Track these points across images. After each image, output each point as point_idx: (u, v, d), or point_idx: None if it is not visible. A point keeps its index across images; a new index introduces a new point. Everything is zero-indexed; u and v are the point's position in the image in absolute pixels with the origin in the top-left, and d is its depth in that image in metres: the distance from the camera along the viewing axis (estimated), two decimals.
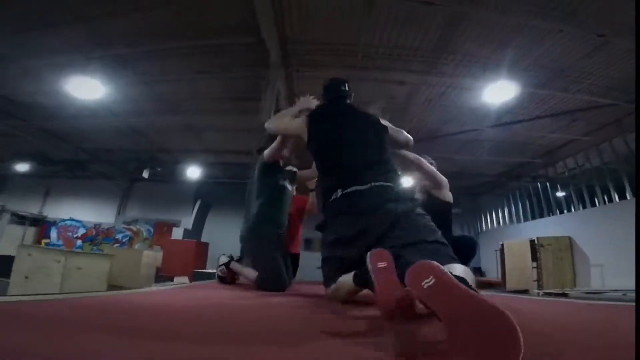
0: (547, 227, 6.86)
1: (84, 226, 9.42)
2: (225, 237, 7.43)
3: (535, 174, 7.86)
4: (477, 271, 8.15)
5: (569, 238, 6.22)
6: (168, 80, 4.96)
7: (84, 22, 3.89)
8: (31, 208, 9.26)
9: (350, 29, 3.90)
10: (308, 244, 7.55)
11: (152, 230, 9.38)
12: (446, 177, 2.16)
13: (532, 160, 7.28)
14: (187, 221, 7.74)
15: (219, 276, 2.22)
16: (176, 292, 1.67)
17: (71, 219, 9.41)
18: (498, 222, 9.38)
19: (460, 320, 0.56)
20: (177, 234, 7.33)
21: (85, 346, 0.57)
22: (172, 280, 5.34)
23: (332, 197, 1.34)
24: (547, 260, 5.98)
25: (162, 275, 5.47)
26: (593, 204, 6.43)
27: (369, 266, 0.98)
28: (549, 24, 3.55)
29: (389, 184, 1.30)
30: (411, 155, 2.00)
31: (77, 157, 8.02)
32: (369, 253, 1.02)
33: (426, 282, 0.63)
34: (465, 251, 1.91)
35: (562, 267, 5.98)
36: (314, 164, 2.29)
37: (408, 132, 1.75)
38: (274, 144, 2.06)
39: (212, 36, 4.04)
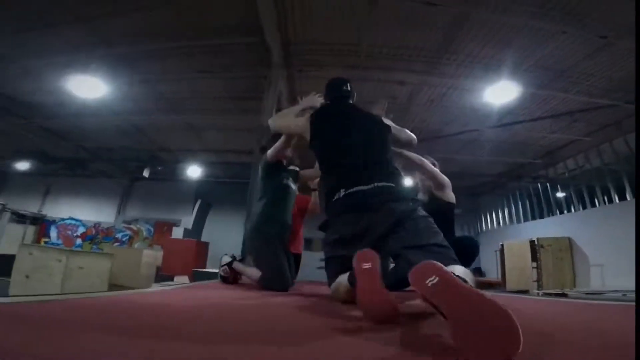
0: (547, 228, 6.86)
1: (83, 225, 9.43)
2: (225, 236, 7.43)
3: (535, 175, 7.87)
4: (477, 271, 8.14)
5: (569, 238, 6.22)
6: (169, 79, 4.97)
7: (84, 22, 3.90)
8: (31, 207, 9.25)
9: (352, 29, 3.91)
10: (308, 243, 7.55)
11: (152, 229, 9.39)
12: (447, 177, 2.16)
13: (533, 161, 7.29)
14: (188, 220, 7.73)
15: (221, 276, 2.21)
16: (178, 292, 1.67)
17: (71, 218, 9.41)
18: (498, 223, 9.38)
19: (463, 316, 0.59)
20: (177, 233, 7.31)
21: (85, 346, 0.57)
22: (172, 279, 5.35)
23: (335, 197, 1.34)
24: (547, 261, 5.99)
25: (162, 274, 5.47)
26: (593, 205, 6.43)
27: (354, 267, 0.99)
28: (552, 25, 3.56)
29: (391, 184, 1.30)
30: (414, 156, 2.00)
31: (78, 155, 8.03)
32: (356, 253, 1.03)
33: (430, 281, 0.66)
34: (467, 252, 1.91)
35: (562, 267, 5.98)
36: (316, 164, 2.28)
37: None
38: (278, 144, 2.03)
39: (212, 36, 4.04)
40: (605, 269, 5.43)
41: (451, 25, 3.75)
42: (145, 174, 8.13)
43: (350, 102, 1.73)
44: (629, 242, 4.41)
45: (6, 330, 0.63)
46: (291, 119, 1.78)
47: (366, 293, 0.89)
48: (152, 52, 4.37)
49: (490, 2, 3.41)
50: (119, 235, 9.31)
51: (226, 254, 2.28)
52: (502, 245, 6.62)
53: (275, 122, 1.85)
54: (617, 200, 5.89)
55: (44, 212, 9.42)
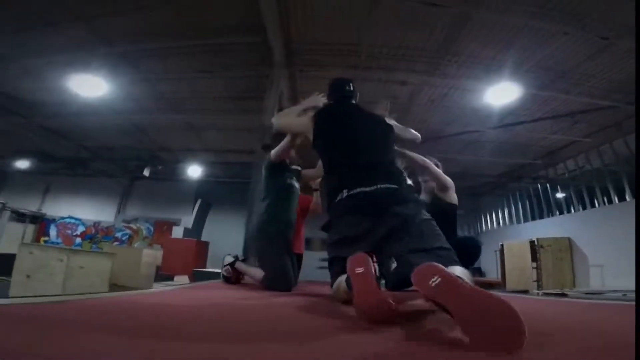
0: (547, 228, 6.86)
1: (83, 224, 9.42)
2: (225, 236, 7.42)
3: (535, 175, 7.88)
4: (477, 271, 8.15)
5: (569, 239, 6.22)
6: (170, 78, 4.97)
7: (85, 21, 3.90)
8: (30, 205, 9.25)
9: (353, 29, 3.91)
10: (307, 243, 7.54)
11: (152, 228, 9.38)
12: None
13: (533, 162, 7.30)
14: (188, 220, 7.72)
15: (224, 276, 2.21)
16: (179, 292, 1.68)
17: (70, 217, 9.41)
18: (498, 223, 9.38)
19: (467, 311, 0.64)
20: (177, 232, 7.29)
21: (85, 346, 0.58)
22: (172, 279, 5.34)
23: (338, 198, 1.34)
24: (547, 261, 5.99)
25: (162, 274, 5.46)
26: (593, 206, 6.44)
27: (348, 271, 1.00)
28: (553, 25, 3.56)
29: (394, 186, 1.30)
30: (418, 157, 2.00)
31: (78, 154, 8.03)
32: (348, 258, 1.03)
33: (433, 281, 0.71)
34: (470, 252, 1.92)
35: (561, 267, 5.99)
36: (318, 164, 2.28)
37: None
38: (283, 144, 2.02)
39: (212, 36, 4.04)
40: (604, 269, 5.44)
41: (452, 26, 3.74)
42: (146, 173, 8.13)
43: (353, 102, 1.73)
44: (628, 243, 4.41)
45: (8, 331, 0.64)
46: (293, 118, 1.78)
47: (361, 294, 0.90)
48: (153, 52, 4.37)
49: (491, 3, 3.41)
50: (118, 235, 9.30)
51: (229, 254, 2.27)
52: (502, 246, 6.62)
53: (278, 120, 1.86)
54: (617, 201, 5.89)
55: (43, 211, 9.42)
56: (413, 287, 0.81)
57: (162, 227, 9.17)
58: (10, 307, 0.90)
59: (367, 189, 1.28)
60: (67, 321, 0.79)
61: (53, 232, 9.25)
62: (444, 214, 1.79)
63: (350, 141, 1.47)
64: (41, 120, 6.38)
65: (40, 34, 4.06)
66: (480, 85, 4.61)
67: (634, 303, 1.39)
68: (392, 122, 1.64)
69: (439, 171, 2.12)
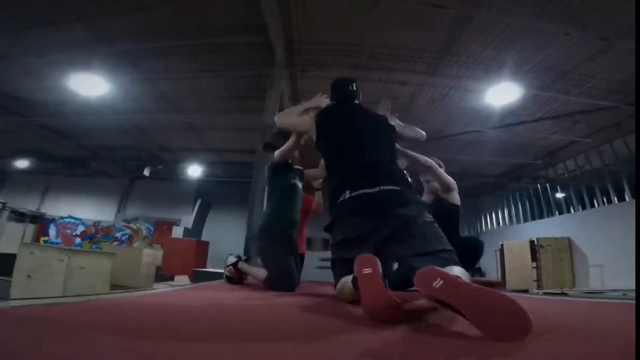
0: (546, 228, 6.87)
1: (83, 224, 9.42)
2: (225, 236, 7.43)
3: (535, 175, 7.89)
4: (477, 271, 8.16)
5: (569, 239, 6.24)
6: (170, 78, 4.97)
7: (85, 21, 3.90)
8: (30, 205, 9.24)
9: (353, 29, 3.91)
10: (308, 243, 7.54)
11: (152, 228, 9.38)
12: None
13: (533, 162, 7.31)
14: (188, 220, 7.72)
15: (226, 276, 2.20)
16: (182, 292, 1.67)
17: (70, 217, 9.40)
18: (498, 223, 9.40)
19: (473, 307, 0.69)
20: (177, 232, 7.29)
21: (85, 346, 0.58)
22: (172, 279, 5.34)
23: (341, 199, 1.34)
24: (547, 261, 6.01)
25: (162, 274, 5.45)
26: (592, 205, 6.45)
27: (355, 272, 1.00)
28: (553, 26, 3.57)
29: (397, 187, 1.29)
30: (421, 157, 2.00)
31: (78, 154, 8.02)
32: (356, 258, 1.04)
33: (436, 283, 0.76)
34: (473, 252, 1.92)
35: (561, 267, 6.00)
36: (321, 164, 2.28)
37: None
38: (288, 144, 2.01)
39: (213, 35, 4.04)
40: (604, 269, 5.45)
41: (453, 26, 3.75)
42: (146, 173, 8.13)
43: (356, 102, 1.72)
44: (628, 243, 4.42)
45: (10, 332, 0.64)
46: (295, 117, 1.78)
47: (369, 295, 0.91)
48: (153, 51, 4.36)
49: (491, 3, 3.41)
50: (118, 234, 9.30)
51: (231, 254, 2.26)
52: (502, 246, 6.63)
53: (280, 119, 1.85)
54: (617, 201, 5.91)
55: (43, 211, 9.41)
56: (414, 287, 0.83)
57: (162, 227, 9.17)
58: (12, 309, 0.90)
59: (370, 190, 1.28)
60: (67, 322, 0.78)
61: (53, 231, 9.25)
62: (447, 215, 1.79)
63: (353, 141, 1.46)
64: (41, 120, 6.38)
65: (40, 34, 4.06)
66: (481, 85, 4.61)
67: (634, 301, 1.40)
68: (395, 120, 1.64)
69: (442, 172, 2.12)
